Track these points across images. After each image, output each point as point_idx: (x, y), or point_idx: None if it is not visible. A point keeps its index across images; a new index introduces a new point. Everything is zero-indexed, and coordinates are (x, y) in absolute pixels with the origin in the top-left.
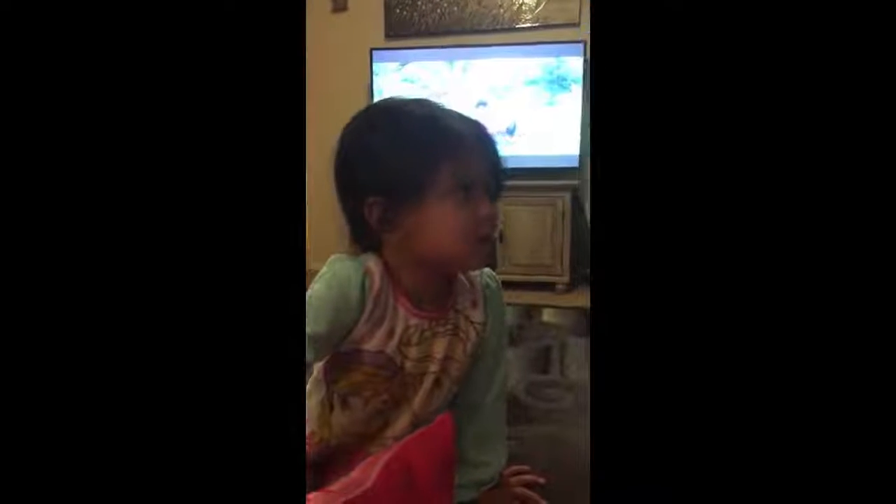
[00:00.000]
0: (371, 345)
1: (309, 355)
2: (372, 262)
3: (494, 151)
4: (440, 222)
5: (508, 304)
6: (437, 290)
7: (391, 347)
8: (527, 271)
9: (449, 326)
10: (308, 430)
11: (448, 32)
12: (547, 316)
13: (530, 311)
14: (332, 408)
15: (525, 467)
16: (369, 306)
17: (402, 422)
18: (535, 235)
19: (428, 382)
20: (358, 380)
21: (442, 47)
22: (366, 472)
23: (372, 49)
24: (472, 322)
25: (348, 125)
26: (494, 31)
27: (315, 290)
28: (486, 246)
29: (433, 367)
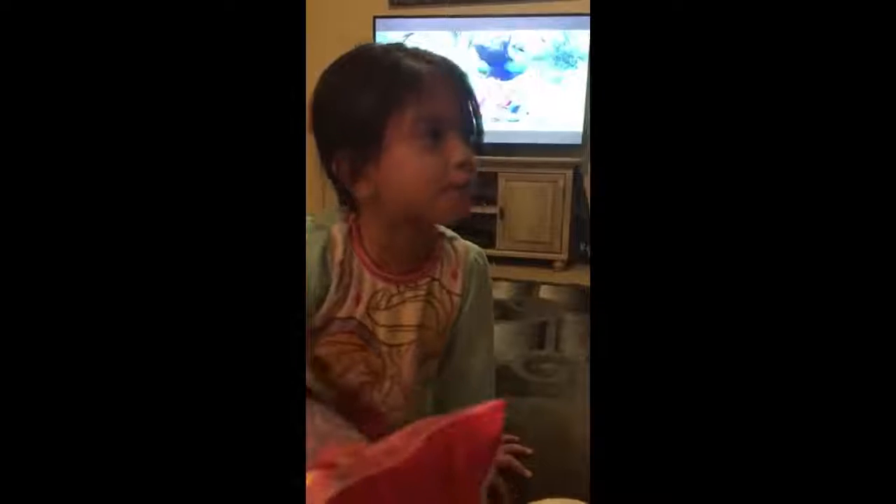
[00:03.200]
0: (341, 312)
1: None
2: (336, 230)
3: (466, 91)
4: (406, 169)
5: (507, 280)
6: (411, 252)
7: (360, 313)
8: (526, 248)
9: (421, 292)
10: None
11: (455, 1)
12: (544, 292)
13: (529, 288)
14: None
15: (514, 437)
16: (335, 277)
17: (393, 393)
18: (536, 212)
19: (410, 353)
20: (333, 351)
21: (447, 17)
22: (405, 442)
23: (375, 17)
24: (448, 291)
25: (318, 82)
26: (501, 1)
27: None
28: (459, 194)
29: (410, 336)
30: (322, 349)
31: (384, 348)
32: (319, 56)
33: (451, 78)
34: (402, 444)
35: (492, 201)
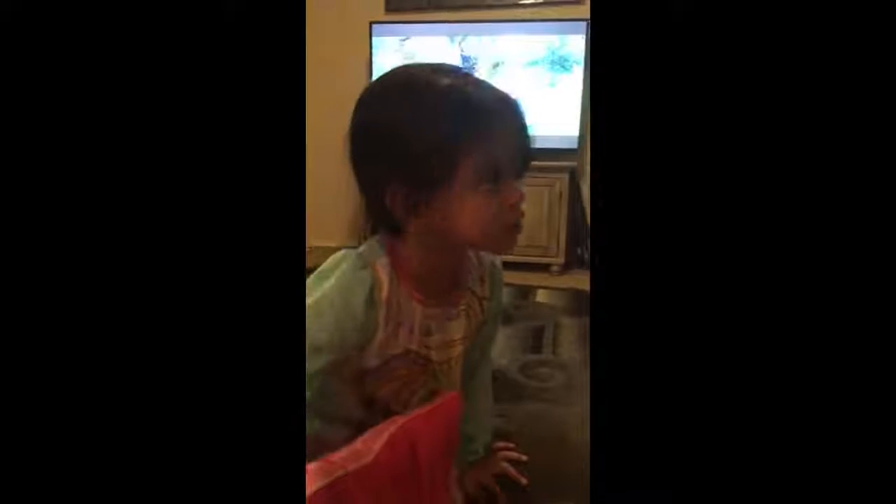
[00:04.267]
0: (397, 349)
1: (307, 365)
2: (380, 266)
3: (524, 129)
4: (469, 213)
5: (504, 285)
6: (452, 274)
7: (415, 343)
8: (523, 252)
9: (462, 307)
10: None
11: (451, 7)
12: (541, 297)
13: (525, 292)
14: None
15: (510, 444)
16: (382, 315)
17: None
18: (532, 216)
19: (458, 364)
20: (395, 387)
21: (443, 22)
22: (368, 445)
23: (371, 23)
24: (479, 298)
25: (364, 98)
26: (498, 6)
27: (317, 298)
28: (515, 231)
29: (458, 349)
30: (383, 388)
31: (437, 367)
32: (316, 61)
33: (512, 115)
34: (366, 447)
35: None
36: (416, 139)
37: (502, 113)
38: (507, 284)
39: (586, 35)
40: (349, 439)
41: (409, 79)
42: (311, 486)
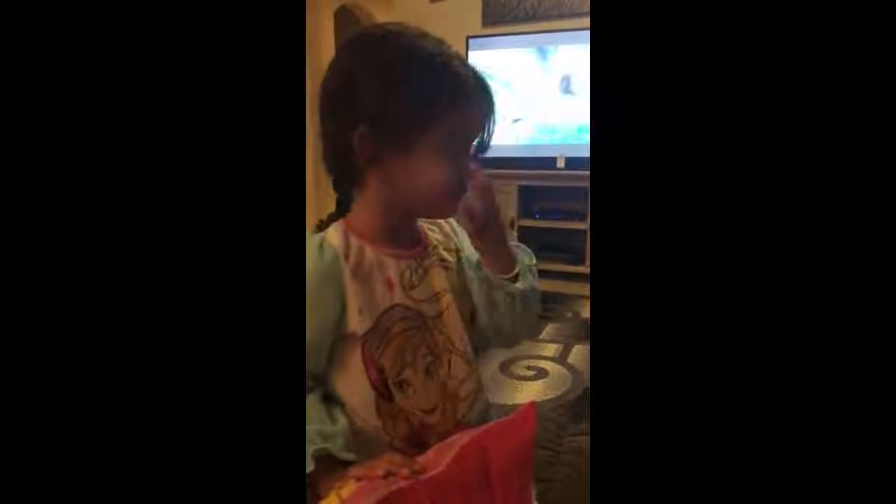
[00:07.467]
0: (379, 304)
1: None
2: (331, 234)
3: (492, 107)
4: (428, 174)
5: None
6: (409, 227)
7: (399, 297)
8: None
9: (434, 258)
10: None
11: (546, 17)
12: None
13: None
14: (390, 396)
15: None
16: (351, 273)
17: (455, 365)
18: None
19: (451, 319)
20: (396, 348)
21: (538, 33)
22: (438, 457)
23: (468, 37)
24: (452, 250)
25: (350, 45)
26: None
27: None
28: (456, 200)
29: (445, 302)
30: (385, 354)
31: (430, 322)
32: None
33: (484, 93)
34: (436, 459)
35: (582, 217)
36: (396, 92)
37: (476, 90)
38: None
39: None
40: (371, 437)
41: (396, 38)
42: (376, 495)
